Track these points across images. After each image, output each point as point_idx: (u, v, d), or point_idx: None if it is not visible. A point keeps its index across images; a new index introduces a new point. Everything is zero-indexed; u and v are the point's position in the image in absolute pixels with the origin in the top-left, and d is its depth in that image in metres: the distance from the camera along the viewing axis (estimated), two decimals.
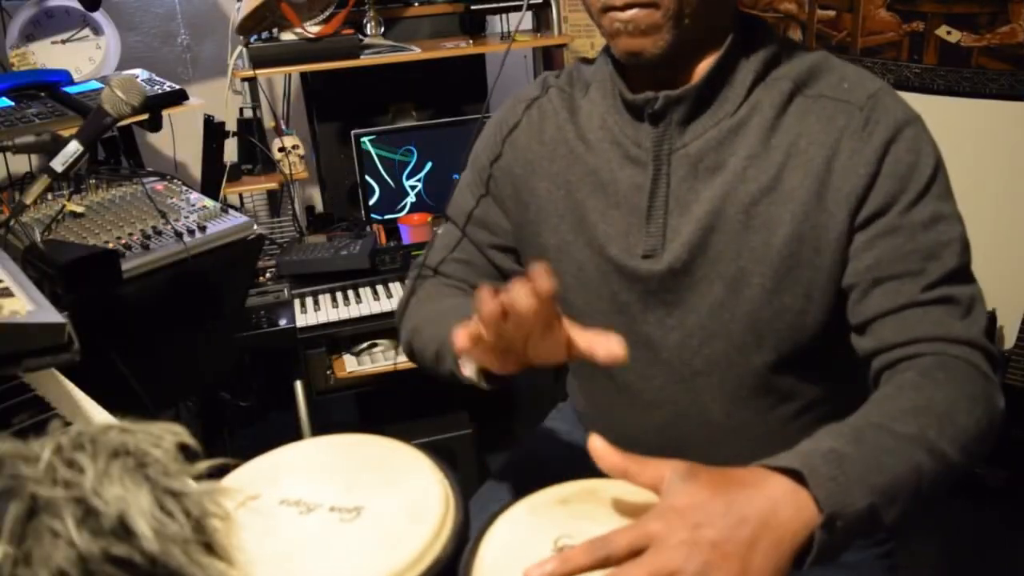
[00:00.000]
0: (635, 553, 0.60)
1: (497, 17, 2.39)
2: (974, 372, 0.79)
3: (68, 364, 0.81)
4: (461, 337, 0.73)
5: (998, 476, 1.99)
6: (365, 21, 2.30)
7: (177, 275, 1.36)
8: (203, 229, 1.42)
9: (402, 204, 2.29)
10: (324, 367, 2.03)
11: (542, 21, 2.53)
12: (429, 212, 2.25)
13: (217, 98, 2.16)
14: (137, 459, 0.45)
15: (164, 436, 0.47)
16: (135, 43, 2.44)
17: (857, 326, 0.85)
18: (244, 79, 2.12)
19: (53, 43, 2.00)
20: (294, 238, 2.24)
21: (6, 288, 0.86)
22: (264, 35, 2.14)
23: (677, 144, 0.88)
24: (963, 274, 0.83)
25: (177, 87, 1.83)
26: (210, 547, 0.47)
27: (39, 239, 1.24)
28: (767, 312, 0.87)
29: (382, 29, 2.33)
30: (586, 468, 0.73)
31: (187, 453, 0.48)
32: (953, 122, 2.05)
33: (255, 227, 1.50)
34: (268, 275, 2.04)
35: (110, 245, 1.32)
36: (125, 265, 1.27)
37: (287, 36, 2.12)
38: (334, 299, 1.96)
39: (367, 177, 2.23)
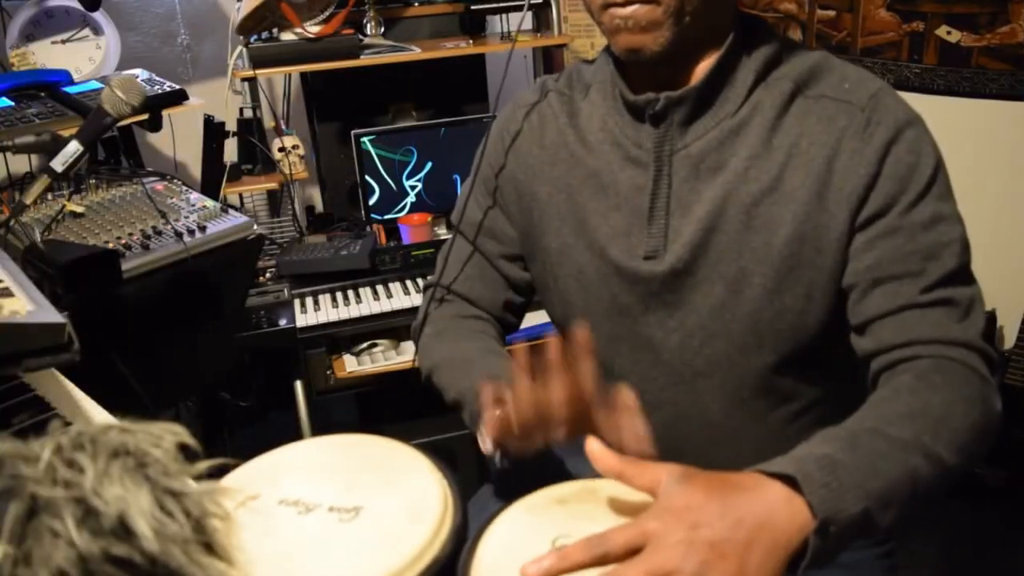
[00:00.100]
0: (632, 552, 0.60)
1: (497, 17, 2.39)
2: (971, 374, 0.79)
3: (68, 364, 0.81)
4: (488, 442, 0.78)
5: (998, 476, 1.99)
6: (365, 21, 2.30)
7: (177, 275, 1.36)
8: (203, 229, 1.42)
9: (402, 204, 2.29)
10: (324, 367, 2.03)
11: (542, 21, 2.53)
12: (429, 212, 2.25)
13: (217, 98, 2.16)
14: (137, 459, 0.45)
15: (164, 436, 0.48)
16: (135, 43, 2.44)
17: (857, 326, 0.85)
18: (244, 79, 2.12)
19: (53, 43, 2.00)
20: (294, 238, 2.24)
21: (6, 288, 0.86)
22: (264, 35, 2.14)
23: (678, 145, 0.88)
24: (963, 275, 0.83)
25: (177, 87, 1.84)
26: (210, 547, 0.47)
27: (39, 239, 1.24)
28: (768, 312, 0.87)
29: (382, 29, 2.33)
30: (585, 468, 0.73)
31: (187, 453, 0.48)
32: (953, 122, 2.05)
33: (255, 227, 1.50)
34: (268, 275, 2.04)
35: (110, 245, 1.32)
36: (125, 265, 1.27)
37: (287, 36, 2.12)
38: (334, 299, 1.96)
39: (367, 177, 2.23)
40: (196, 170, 2.22)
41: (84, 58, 2.03)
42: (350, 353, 2.02)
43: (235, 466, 0.73)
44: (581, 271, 0.95)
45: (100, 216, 1.43)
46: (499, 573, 0.65)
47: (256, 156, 2.20)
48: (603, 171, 0.93)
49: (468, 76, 2.45)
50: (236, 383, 2.25)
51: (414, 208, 2.29)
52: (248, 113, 2.18)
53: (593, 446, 0.69)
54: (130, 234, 1.37)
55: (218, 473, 0.50)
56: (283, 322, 1.87)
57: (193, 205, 1.51)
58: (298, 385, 1.98)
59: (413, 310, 1.93)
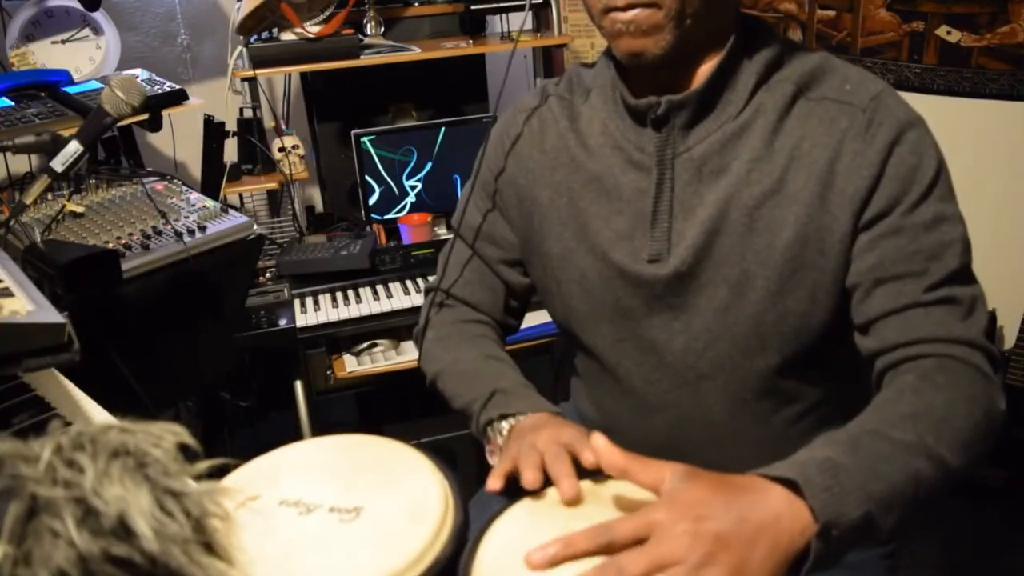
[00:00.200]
0: (637, 542, 0.60)
1: (497, 17, 2.39)
2: (975, 373, 0.79)
3: (68, 364, 0.81)
4: (495, 482, 0.79)
5: (998, 476, 1.99)
6: (365, 21, 2.30)
7: (177, 275, 1.36)
8: (203, 229, 1.42)
9: (402, 204, 2.29)
10: (324, 367, 2.03)
11: (542, 21, 2.53)
12: (429, 212, 2.25)
13: (217, 98, 2.16)
14: (137, 459, 0.45)
15: (164, 436, 0.47)
16: (135, 43, 2.44)
17: (860, 326, 0.86)
18: (244, 79, 2.12)
19: (53, 43, 2.00)
20: (294, 238, 2.24)
21: (6, 288, 0.86)
22: (264, 35, 2.13)
23: (680, 148, 0.88)
24: (965, 274, 0.83)
25: (177, 87, 1.83)
26: (210, 547, 0.47)
27: (39, 239, 1.24)
28: (772, 314, 0.87)
29: (382, 29, 2.33)
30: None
31: (187, 453, 0.48)
32: (953, 122, 2.05)
33: (255, 227, 1.50)
34: (268, 275, 2.04)
35: (110, 245, 1.32)
36: (125, 265, 1.27)
37: (287, 36, 2.12)
38: (334, 299, 1.96)
39: (367, 177, 2.23)
40: (196, 170, 2.22)
41: (84, 58, 2.03)
42: (350, 353, 2.02)
43: (235, 466, 0.72)
44: (584, 275, 0.95)
45: (100, 216, 1.43)
46: (500, 573, 0.64)
47: (256, 156, 2.20)
48: (605, 175, 0.93)
49: (468, 76, 2.45)
50: (236, 383, 2.24)
51: (414, 208, 2.28)
52: (248, 113, 2.18)
53: (599, 441, 0.69)
54: (130, 234, 1.37)
55: (218, 473, 0.50)
56: (283, 322, 1.87)
57: (193, 205, 1.51)
58: (298, 385, 1.98)
59: (413, 310, 1.94)
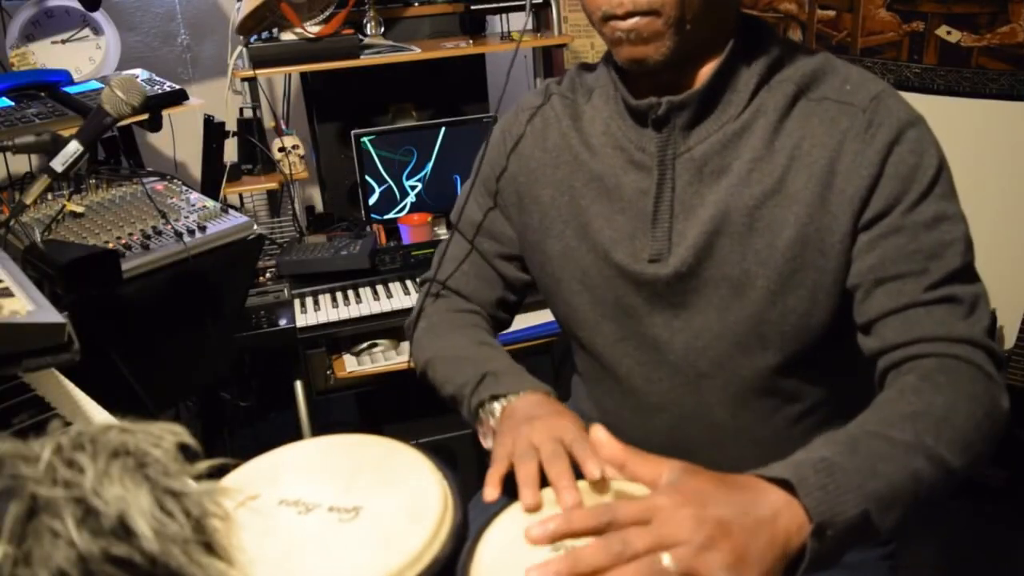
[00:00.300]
0: (640, 525, 0.60)
1: (497, 17, 2.39)
2: (976, 372, 0.79)
3: (68, 364, 0.81)
4: (491, 491, 0.77)
5: (998, 476, 1.99)
6: (365, 21, 2.30)
7: (177, 275, 1.36)
8: (203, 229, 1.42)
9: (402, 204, 2.29)
10: (324, 367, 2.03)
11: (542, 21, 2.53)
12: (429, 212, 2.26)
13: (217, 98, 2.16)
14: (137, 459, 0.45)
15: (164, 436, 0.47)
16: (135, 43, 2.44)
17: (862, 326, 0.86)
18: (244, 79, 2.12)
19: (53, 43, 2.00)
20: (294, 238, 2.24)
21: (6, 288, 0.86)
22: (264, 35, 2.14)
23: (681, 148, 0.88)
24: (966, 273, 0.83)
25: (177, 87, 1.83)
26: (210, 547, 0.47)
27: (39, 239, 1.24)
28: (772, 314, 0.87)
29: (382, 29, 2.33)
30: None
31: (187, 453, 0.48)
32: (953, 122, 2.05)
33: (255, 227, 1.50)
34: (268, 275, 2.04)
35: (110, 245, 1.32)
36: (125, 265, 1.27)
37: (287, 36, 2.12)
38: (334, 299, 1.96)
39: (367, 177, 2.23)
40: (196, 170, 2.22)
41: (84, 58, 2.03)
42: (350, 353, 2.02)
43: (235, 466, 0.72)
44: (585, 273, 0.95)
45: (100, 216, 1.43)
46: (499, 573, 0.64)
47: (256, 156, 2.20)
48: (606, 175, 0.93)
49: (468, 76, 2.45)
50: (236, 383, 2.24)
51: (414, 208, 2.29)
52: (248, 113, 2.18)
53: (599, 434, 0.69)
54: (130, 234, 1.37)
55: (218, 473, 0.50)
56: (283, 322, 1.87)
57: (193, 205, 1.51)
58: (298, 385, 1.98)
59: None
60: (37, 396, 0.95)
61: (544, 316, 1.94)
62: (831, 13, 2.33)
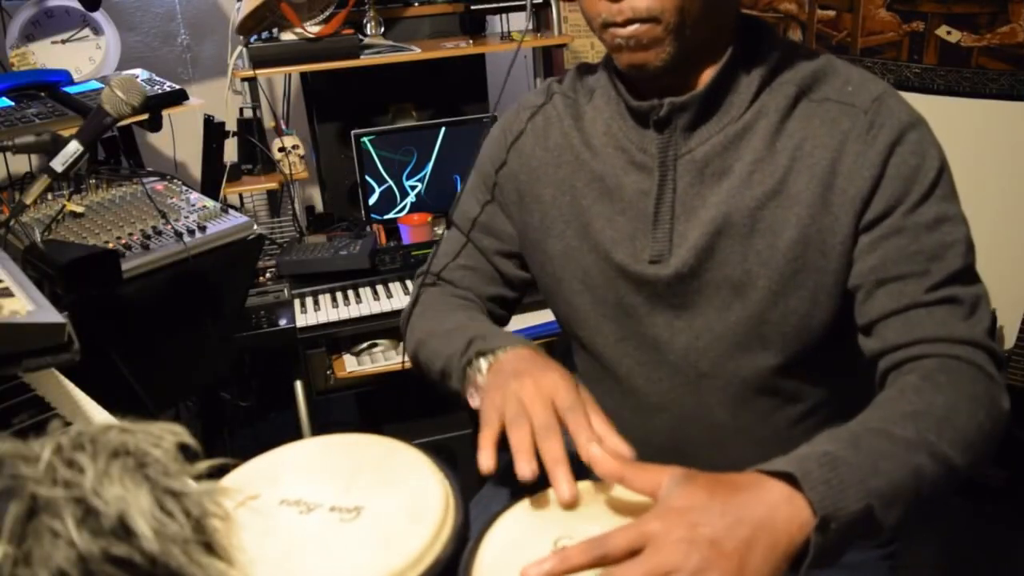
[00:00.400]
0: (633, 553, 0.60)
1: (497, 17, 2.39)
2: (977, 373, 0.79)
3: (68, 364, 0.81)
4: (487, 458, 0.74)
5: (999, 476, 1.99)
6: (365, 21, 2.30)
7: (177, 275, 1.36)
8: (203, 229, 1.42)
9: (402, 204, 2.29)
10: (324, 367, 2.03)
11: (542, 21, 2.53)
12: (429, 212, 2.26)
13: (217, 98, 2.16)
14: (137, 459, 0.45)
15: (164, 436, 0.47)
16: (135, 43, 2.44)
17: (863, 327, 0.86)
18: (244, 79, 2.12)
19: (53, 43, 2.00)
20: (294, 238, 2.24)
21: (6, 288, 0.86)
22: (264, 35, 2.13)
23: (683, 150, 0.88)
24: (967, 275, 0.83)
25: (177, 87, 1.83)
26: (210, 547, 0.47)
27: (39, 239, 1.24)
28: (773, 315, 0.87)
29: (382, 29, 2.33)
30: (587, 468, 0.73)
31: (187, 453, 0.48)
32: (953, 122, 2.05)
33: (255, 227, 1.50)
34: (268, 275, 2.04)
35: (110, 245, 1.32)
36: (125, 265, 1.27)
37: (287, 36, 2.12)
38: (334, 299, 1.96)
39: (367, 177, 2.23)
40: (196, 170, 2.22)
41: (84, 58, 2.03)
42: (350, 353, 2.02)
43: (235, 466, 0.72)
44: (586, 273, 0.95)
45: (100, 216, 1.43)
46: (501, 574, 0.64)
47: (256, 156, 2.20)
48: (608, 175, 0.93)
49: (468, 76, 2.45)
50: (236, 383, 2.25)
51: (414, 208, 2.29)
52: (248, 113, 2.18)
53: (594, 451, 0.69)
54: (130, 234, 1.37)
55: (218, 473, 0.50)
56: (283, 322, 1.87)
57: (193, 205, 1.50)
58: (298, 385, 1.98)
59: None
60: (37, 396, 0.95)
61: (544, 316, 1.94)
62: (831, 13, 2.33)
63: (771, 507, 0.63)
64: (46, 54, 1.99)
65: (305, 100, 2.44)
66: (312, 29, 2.09)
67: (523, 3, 2.28)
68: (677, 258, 0.88)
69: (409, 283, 2.00)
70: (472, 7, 2.32)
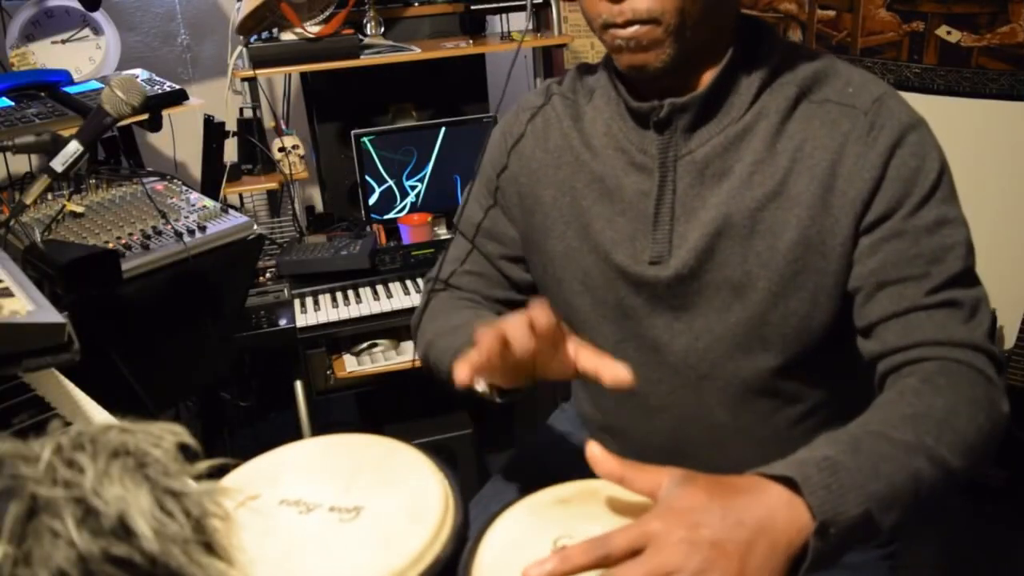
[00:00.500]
0: (634, 553, 0.60)
1: (497, 17, 2.39)
2: (977, 376, 0.79)
3: (68, 364, 0.81)
4: (462, 371, 0.73)
5: (999, 476, 1.99)
6: (365, 21, 2.30)
7: (177, 275, 1.36)
8: (203, 229, 1.42)
9: (402, 204, 2.29)
10: (324, 367, 2.03)
11: (542, 21, 2.53)
12: (429, 212, 2.26)
13: (217, 98, 2.16)
14: (137, 459, 0.45)
15: (164, 436, 0.47)
16: (135, 43, 2.44)
17: (862, 329, 0.86)
18: (244, 79, 2.12)
19: (53, 43, 2.00)
20: (294, 238, 2.24)
21: (6, 288, 0.86)
22: (264, 35, 2.13)
23: (683, 151, 0.88)
24: (967, 277, 0.83)
25: (177, 87, 1.83)
26: (210, 547, 0.47)
27: (39, 239, 1.24)
28: (773, 316, 0.87)
29: (382, 29, 2.33)
30: (587, 468, 0.73)
31: (187, 453, 0.48)
32: (953, 122, 2.05)
33: (255, 227, 1.50)
34: (268, 275, 2.04)
35: (110, 245, 1.32)
36: (125, 265, 1.27)
37: (287, 36, 2.12)
38: (334, 299, 1.96)
39: (367, 177, 2.23)
40: (196, 170, 2.22)
41: (84, 58, 2.03)
42: (350, 353, 2.02)
43: (235, 466, 0.73)
44: (586, 274, 0.95)
45: (100, 216, 1.43)
46: (500, 573, 0.64)
47: (256, 156, 2.20)
48: (608, 176, 0.93)
49: (468, 76, 2.45)
50: (236, 383, 2.25)
51: (414, 208, 2.29)
52: (248, 113, 2.18)
53: (594, 451, 0.69)
54: (130, 234, 1.37)
55: (218, 473, 0.50)
56: (283, 322, 1.87)
57: (193, 205, 1.50)
58: (298, 385, 1.98)
59: (413, 310, 1.94)
60: (37, 396, 0.95)
61: None
62: (831, 13, 2.33)
63: (771, 510, 0.63)
64: (46, 54, 1.99)
65: (305, 100, 2.44)
66: (312, 29, 2.09)
67: (523, 3, 2.28)
68: (677, 259, 0.88)
69: (409, 283, 2.00)
70: (472, 7, 2.32)
